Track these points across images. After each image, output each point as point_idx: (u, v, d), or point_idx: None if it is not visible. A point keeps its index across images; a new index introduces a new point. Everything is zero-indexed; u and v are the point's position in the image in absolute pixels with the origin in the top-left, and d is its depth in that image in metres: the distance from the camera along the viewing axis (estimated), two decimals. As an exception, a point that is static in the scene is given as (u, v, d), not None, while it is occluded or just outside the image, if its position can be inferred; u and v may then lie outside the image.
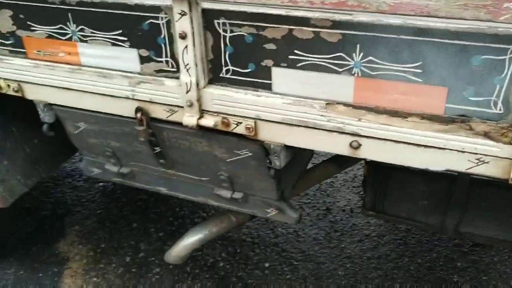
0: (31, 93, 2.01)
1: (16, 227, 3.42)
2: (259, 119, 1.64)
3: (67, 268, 3.19)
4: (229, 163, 1.85)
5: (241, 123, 1.67)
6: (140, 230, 3.40)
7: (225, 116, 1.68)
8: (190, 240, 2.50)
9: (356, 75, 1.46)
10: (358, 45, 1.41)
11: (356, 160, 2.33)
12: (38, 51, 1.90)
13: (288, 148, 1.69)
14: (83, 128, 2.05)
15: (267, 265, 3.07)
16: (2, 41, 1.95)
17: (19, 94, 2.02)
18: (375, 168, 2.20)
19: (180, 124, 1.75)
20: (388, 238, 3.17)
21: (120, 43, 1.74)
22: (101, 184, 3.79)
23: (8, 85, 2.01)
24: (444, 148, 1.44)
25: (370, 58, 1.42)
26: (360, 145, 1.55)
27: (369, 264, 3.01)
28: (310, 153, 2.45)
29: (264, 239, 3.26)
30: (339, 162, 2.53)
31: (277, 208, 2.02)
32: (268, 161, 1.74)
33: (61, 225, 3.49)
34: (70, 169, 3.97)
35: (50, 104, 2.01)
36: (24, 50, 1.93)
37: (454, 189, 2.06)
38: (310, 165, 2.60)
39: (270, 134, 1.66)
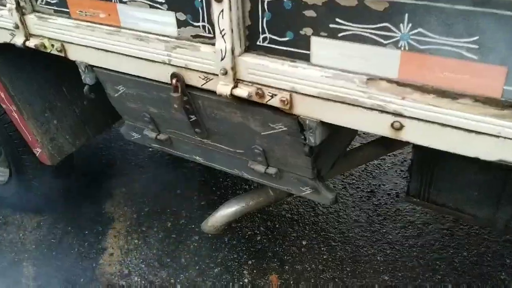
0: (73, 54, 1.96)
1: (68, 185, 3.49)
2: (295, 92, 1.50)
3: (111, 228, 3.22)
4: (263, 137, 1.73)
5: (276, 95, 1.53)
6: (183, 197, 3.37)
7: (260, 86, 1.55)
8: (226, 211, 2.42)
9: (402, 48, 1.28)
10: (406, 15, 1.23)
11: (404, 143, 2.14)
12: (80, 11, 1.84)
13: (324, 124, 1.54)
14: (122, 91, 1.99)
15: (304, 243, 2.96)
16: (48, 0, 1.90)
17: (62, 54, 1.98)
18: (424, 152, 2.01)
19: (215, 92, 1.64)
20: (434, 227, 2.96)
21: (158, 6, 1.64)
22: (150, 149, 3.78)
23: (52, 45, 1.97)
24: (499, 136, 1.24)
25: (420, 30, 1.23)
26: (402, 126, 1.37)
27: (410, 252, 2.83)
28: (352, 132, 2.28)
29: (304, 217, 3.14)
30: (385, 144, 2.34)
31: (312, 187, 1.88)
32: (303, 137, 1.60)
33: (109, 186, 3.53)
34: (123, 133, 3.99)
35: (91, 66, 1.96)
36: (68, 10, 1.87)
37: (508, 181, 1.84)
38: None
39: (306, 109, 1.52)
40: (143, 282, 2.86)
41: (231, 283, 2.78)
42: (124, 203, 3.38)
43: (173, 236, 3.10)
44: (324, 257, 2.86)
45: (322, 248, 2.91)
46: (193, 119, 1.86)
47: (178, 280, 2.83)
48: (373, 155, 2.37)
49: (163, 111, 1.96)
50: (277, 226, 3.09)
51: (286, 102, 1.52)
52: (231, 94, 1.58)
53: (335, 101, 1.44)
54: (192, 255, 2.97)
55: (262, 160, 1.85)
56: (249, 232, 3.07)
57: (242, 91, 1.57)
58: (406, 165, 3.46)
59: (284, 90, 1.51)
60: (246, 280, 2.79)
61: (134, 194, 3.43)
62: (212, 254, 2.95)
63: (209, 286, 2.78)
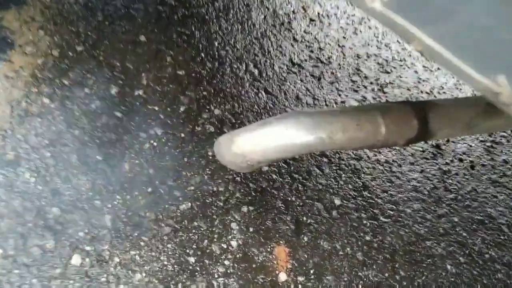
0: None
1: None
2: None
3: (3, 59, 1.63)
4: None
5: None
6: (150, 51, 1.83)
7: None
8: (284, 138, 1.01)
9: None
10: None
11: None
12: None
13: None
14: None
15: (337, 202, 1.67)
16: None
17: None
18: None
19: None
20: (524, 237, 1.83)
21: None
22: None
23: None
24: None
25: None
26: None
27: (494, 271, 1.68)
28: None
29: (340, 157, 1.81)
30: None
31: None
32: None
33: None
34: None
35: None
36: None
37: None
38: None
39: None
40: (40, 187, 1.40)
41: (206, 241, 1.44)
42: (42, 22, 1.75)
43: (116, 116, 1.62)
44: (367, 238, 1.61)
45: (364, 221, 1.65)
46: None
47: (109, 206, 1.42)
48: None
49: None
50: (297, 157, 1.74)
51: None
52: None
53: None
54: (144, 162, 1.54)
55: None
56: (250, 153, 1.69)
57: None
58: (485, 123, 2.22)
59: None
60: (234, 243, 1.46)
61: (64, 14, 1.80)
62: (181, 174, 1.55)
63: (164, 234, 1.42)
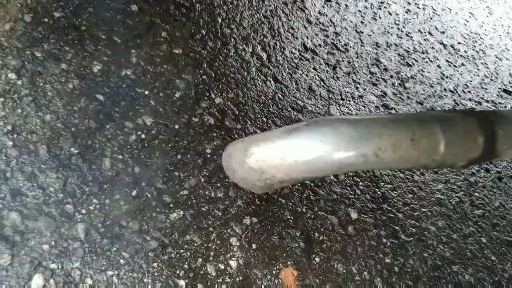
0: None
1: None
2: None
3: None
4: None
5: None
6: (142, 24, 1.54)
7: None
8: (316, 152, 0.75)
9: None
10: None
11: None
12: None
13: None
14: None
15: (354, 216, 1.42)
16: None
17: None
18: None
19: None
20: (556, 264, 1.62)
21: None
22: None
23: None
24: None
25: None
26: None
27: (526, 304, 1.47)
28: None
29: (358, 160, 1.57)
30: None
31: None
32: None
33: None
34: None
35: None
36: None
37: None
38: None
39: None
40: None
41: (200, 259, 1.19)
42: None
43: (98, 99, 1.34)
44: (387, 260, 1.38)
45: (384, 240, 1.41)
46: None
47: (83, 212, 1.15)
48: None
49: None
50: (309, 160, 1.49)
51: None
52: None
53: None
54: (129, 158, 1.26)
55: None
56: (255, 152, 1.43)
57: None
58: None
59: None
60: (233, 263, 1.21)
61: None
62: (173, 175, 1.29)
63: (150, 250, 1.16)
